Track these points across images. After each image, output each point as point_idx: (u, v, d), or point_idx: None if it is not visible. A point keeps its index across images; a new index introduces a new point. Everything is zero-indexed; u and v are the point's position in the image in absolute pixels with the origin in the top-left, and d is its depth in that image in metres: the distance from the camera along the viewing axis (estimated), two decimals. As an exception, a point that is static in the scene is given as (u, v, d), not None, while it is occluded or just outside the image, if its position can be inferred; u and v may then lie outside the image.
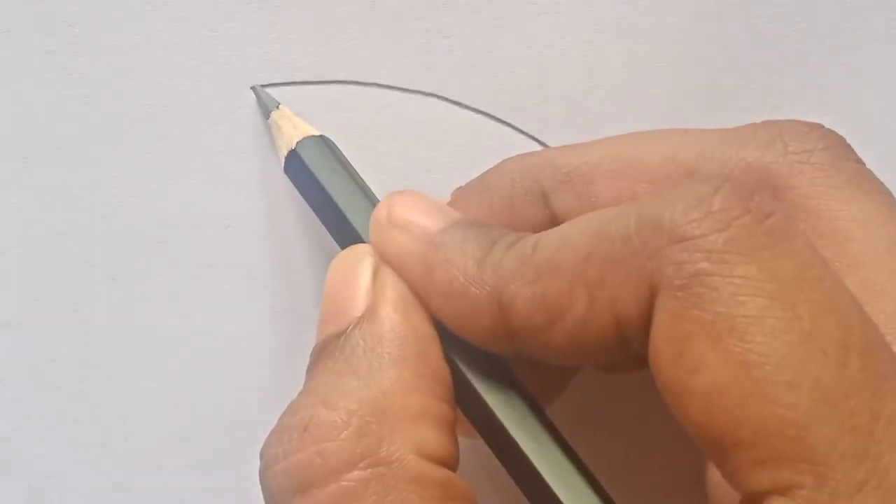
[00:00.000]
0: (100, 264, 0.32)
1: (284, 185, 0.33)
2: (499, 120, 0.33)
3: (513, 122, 0.33)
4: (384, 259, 0.26)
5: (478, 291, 0.24)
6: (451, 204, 0.28)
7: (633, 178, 0.27)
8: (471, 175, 0.33)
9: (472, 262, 0.24)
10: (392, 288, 0.25)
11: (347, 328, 0.25)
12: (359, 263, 0.26)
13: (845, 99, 0.34)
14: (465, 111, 0.33)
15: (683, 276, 0.21)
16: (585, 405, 0.33)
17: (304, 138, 0.30)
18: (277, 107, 0.31)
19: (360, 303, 0.25)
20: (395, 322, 0.25)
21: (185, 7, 0.32)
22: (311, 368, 0.25)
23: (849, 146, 0.26)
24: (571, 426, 0.33)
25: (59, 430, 0.32)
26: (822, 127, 0.27)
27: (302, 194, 0.30)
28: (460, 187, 0.30)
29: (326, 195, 0.28)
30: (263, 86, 0.32)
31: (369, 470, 0.23)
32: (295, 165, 0.29)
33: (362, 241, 0.27)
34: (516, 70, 0.33)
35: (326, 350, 0.25)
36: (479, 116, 0.33)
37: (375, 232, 0.26)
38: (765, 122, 0.27)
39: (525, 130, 0.33)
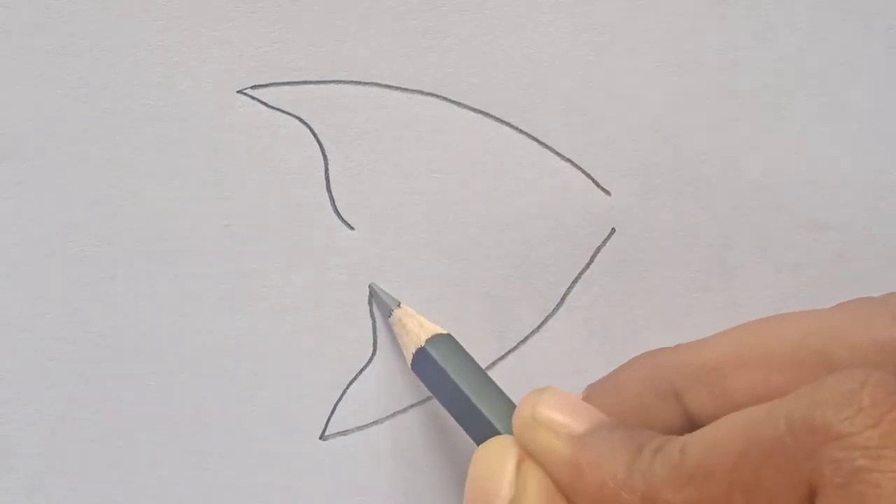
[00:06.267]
0: (100, 264, 0.32)
1: (284, 186, 0.33)
2: (499, 120, 0.33)
3: (513, 122, 0.33)
4: (529, 455, 0.26)
5: (629, 497, 0.24)
6: (585, 401, 0.29)
7: (765, 369, 0.27)
8: (470, 175, 0.33)
9: (621, 466, 0.25)
10: (536, 481, 0.26)
11: None
12: (503, 455, 0.27)
13: (845, 99, 0.34)
14: (465, 111, 0.33)
15: (843, 474, 0.22)
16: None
17: (432, 337, 0.31)
18: (399, 305, 0.32)
19: (504, 493, 0.26)
20: None
21: (184, 7, 0.32)
22: None
23: None
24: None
25: (59, 429, 0.32)
26: None
27: (429, 387, 0.31)
28: (592, 384, 0.30)
29: (459, 391, 0.30)
30: (263, 86, 0.32)
31: None
32: (424, 362, 0.31)
33: (498, 434, 0.28)
34: (516, 70, 0.33)
35: None
36: (479, 116, 0.33)
37: (520, 429, 0.27)
38: (885, 297, 0.27)
39: (525, 130, 0.33)
